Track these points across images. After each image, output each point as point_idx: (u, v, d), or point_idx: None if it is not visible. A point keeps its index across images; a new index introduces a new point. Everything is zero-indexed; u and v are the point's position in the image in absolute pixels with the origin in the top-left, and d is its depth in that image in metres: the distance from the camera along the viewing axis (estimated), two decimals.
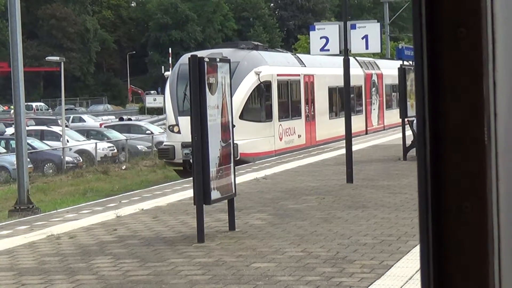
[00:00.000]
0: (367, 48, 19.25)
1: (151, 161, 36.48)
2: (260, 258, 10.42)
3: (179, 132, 27.06)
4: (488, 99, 1.46)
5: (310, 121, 31.68)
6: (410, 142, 23.62)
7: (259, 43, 32.63)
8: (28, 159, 23.36)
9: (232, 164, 12.60)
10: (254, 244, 11.39)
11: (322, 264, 9.98)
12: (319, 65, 32.66)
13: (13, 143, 30.04)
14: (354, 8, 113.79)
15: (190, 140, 12.31)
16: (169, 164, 28.61)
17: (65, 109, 46.56)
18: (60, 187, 29.00)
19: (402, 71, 23.34)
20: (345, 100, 20.26)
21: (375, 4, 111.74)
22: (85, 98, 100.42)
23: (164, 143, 29.14)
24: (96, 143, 38.27)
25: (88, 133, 43.21)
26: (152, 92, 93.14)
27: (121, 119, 59.79)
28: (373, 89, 39.27)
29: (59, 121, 46.88)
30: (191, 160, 25.38)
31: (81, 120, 61.06)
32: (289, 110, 30.05)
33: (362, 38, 18.91)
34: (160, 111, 63.28)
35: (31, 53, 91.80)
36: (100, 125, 52.77)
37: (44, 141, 37.99)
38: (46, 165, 34.58)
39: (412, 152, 23.21)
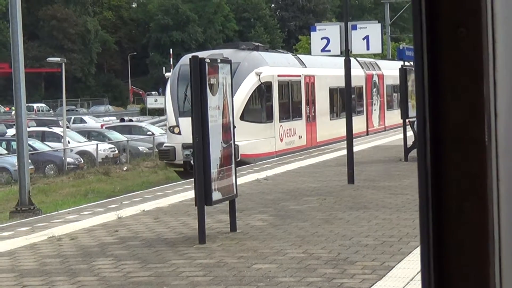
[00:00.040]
0: (368, 48, 19.25)
1: (152, 162, 36.48)
2: (261, 259, 10.41)
3: (179, 133, 27.05)
4: (489, 99, 1.46)
5: (311, 122, 31.67)
6: (411, 143, 23.62)
7: (259, 44, 32.63)
8: (29, 160, 23.36)
9: (233, 165, 12.60)
10: (255, 245, 11.39)
11: (324, 265, 9.98)
12: (319, 65, 32.65)
13: (14, 144, 30.06)
14: (355, 9, 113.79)
15: (190, 141, 12.32)
16: (169, 165, 28.61)
17: (66, 110, 46.56)
18: (61, 188, 29.01)
19: (403, 72, 23.34)
20: (346, 100, 20.25)
21: (376, 4, 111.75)
22: (86, 99, 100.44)
23: (165, 144, 29.14)
24: (97, 144, 38.28)
25: (89, 134, 43.24)
26: (153, 93, 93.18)
27: (122, 120, 59.79)
28: (374, 89, 39.26)
29: (60, 122, 46.88)
30: (191, 161, 25.46)
31: (82, 121, 61.08)
32: (290, 111, 30.04)
33: (363, 39, 18.91)
34: (161, 112, 63.33)
35: (32, 54, 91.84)
36: (101, 126, 52.80)
37: (45, 142, 38.00)
38: (47, 166, 34.59)
39: (414, 153, 23.20)
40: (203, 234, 11.67)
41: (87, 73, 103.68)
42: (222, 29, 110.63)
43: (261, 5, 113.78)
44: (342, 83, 21.07)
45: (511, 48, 1.45)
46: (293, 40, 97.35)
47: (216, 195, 11.90)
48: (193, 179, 12.44)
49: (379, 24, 20.00)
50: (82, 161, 36.00)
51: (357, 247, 10.98)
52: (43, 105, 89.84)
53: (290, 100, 30.30)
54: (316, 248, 10.99)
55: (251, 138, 26.63)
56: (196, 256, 10.75)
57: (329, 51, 19.09)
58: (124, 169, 35.46)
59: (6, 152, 35.08)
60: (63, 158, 35.23)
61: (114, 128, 47.65)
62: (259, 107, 28.08)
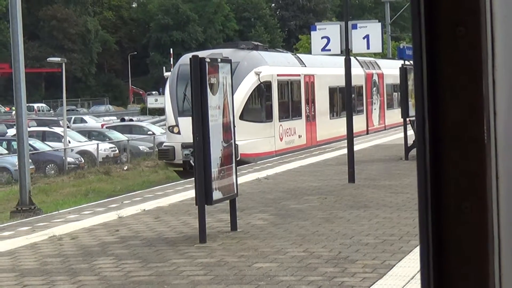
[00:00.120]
0: (368, 48, 19.25)
1: (152, 161, 36.48)
2: (262, 258, 10.42)
3: (179, 132, 27.02)
4: (488, 98, 1.46)
5: (311, 121, 31.65)
6: (412, 142, 23.61)
7: (259, 43, 32.60)
8: (30, 160, 23.37)
9: (233, 165, 12.60)
10: (256, 244, 11.39)
11: (324, 264, 9.98)
12: (319, 65, 32.63)
13: (14, 144, 30.07)
14: (355, 8, 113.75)
15: (190, 141, 12.33)
16: (169, 165, 28.59)
17: (67, 110, 46.57)
18: (61, 188, 29.01)
19: (403, 71, 23.34)
20: (346, 100, 20.25)
21: (376, 4, 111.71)
22: (87, 99, 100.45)
23: (164, 144, 29.13)
24: (97, 144, 38.28)
25: (89, 134, 43.24)
26: (153, 92, 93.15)
27: (123, 119, 59.79)
28: (374, 88, 39.25)
29: (60, 122, 46.88)
30: (191, 161, 25.46)
31: (82, 121, 61.08)
32: (290, 110, 30.01)
33: (363, 38, 18.91)
34: (161, 111, 63.27)
35: (32, 54, 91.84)
36: (102, 126, 52.80)
37: (45, 142, 38.01)
38: (48, 166, 34.59)
39: (414, 151, 23.18)
40: (204, 233, 11.67)
41: (87, 73, 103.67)
42: (222, 29, 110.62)
43: (261, 4, 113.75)
44: (342, 82, 21.06)
45: (510, 47, 1.45)
46: (293, 40, 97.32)
47: (216, 195, 11.90)
48: (193, 178, 12.44)
49: (379, 23, 20.00)
50: (83, 161, 36.00)
51: (357, 246, 10.98)
52: (44, 105, 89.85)
53: (290, 100, 30.29)
54: (316, 247, 10.99)
55: (250, 137, 26.60)
56: (197, 255, 10.75)
57: (329, 50, 19.09)
58: (125, 168, 35.47)
59: (6, 152, 35.08)
60: (64, 157, 35.23)
61: (115, 127, 47.66)
62: (258, 106, 28.05)
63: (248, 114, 27.15)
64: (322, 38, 19.01)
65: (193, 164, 24.63)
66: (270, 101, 28.42)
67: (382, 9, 74.73)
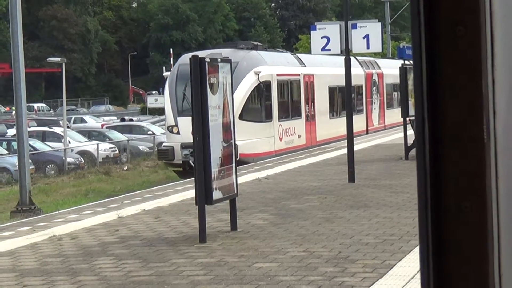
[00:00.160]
0: (368, 47, 19.25)
1: (152, 161, 36.47)
2: (262, 258, 10.42)
3: (178, 132, 27.00)
4: (487, 97, 1.46)
5: (310, 121, 31.63)
6: (412, 142, 23.61)
7: (258, 43, 32.58)
8: (30, 160, 23.36)
9: (233, 164, 12.60)
10: (256, 244, 11.39)
11: (324, 264, 9.98)
12: (319, 64, 32.62)
13: (14, 144, 30.08)
14: (355, 8, 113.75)
15: (189, 141, 12.33)
16: (168, 165, 28.57)
17: (67, 110, 46.58)
18: (62, 188, 29.01)
19: (403, 70, 23.34)
20: (346, 99, 20.25)
21: (376, 3, 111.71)
22: (87, 99, 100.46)
23: (163, 144, 29.12)
24: (97, 144, 38.28)
25: (89, 134, 43.24)
26: (153, 92, 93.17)
27: (123, 119, 59.80)
28: (374, 88, 39.25)
29: (60, 122, 46.89)
30: (190, 161, 25.44)
31: (82, 121, 61.08)
32: (289, 110, 29.99)
33: (363, 38, 18.91)
34: (161, 111, 63.24)
35: (32, 54, 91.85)
36: (102, 126, 52.80)
37: (45, 142, 38.01)
38: (48, 166, 34.59)
39: (414, 151, 23.15)
40: (204, 233, 11.67)
41: (87, 73, 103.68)
42: (222, 29, 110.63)
43: (261, 4, 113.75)
44: (341, 82, 21.06)
45: (509, 46, 1.45)
46: (293, 39, 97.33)
47: (216, 194, 11.90)
48: (193, 178, 12.44)
49: (379, 23, 20.00)
50: (83, 161, 36.00)
51: (357, 246, 10.98)
52: (44, 105, 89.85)
53: (289, 99, 30.27)
54: (316, 247, 10.99)
55: (250, 137, 26.57)
56: (197, 255, 10.75)
57: (329, 50, 19.09)
58: (125, 168, 35.47)
59: (6, 152, 35.08)
60: (64, 158, 35.23)
61: (115, 127, 47.66)
62: (258, 106, 28.03)
63: (247, 114, 27.12)
64: (322, 38, 19.00)
65: (192, 164, 24.63)
66: (269, 101, 28.40)
67: (382, 9, 74.74)
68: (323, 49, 19.08)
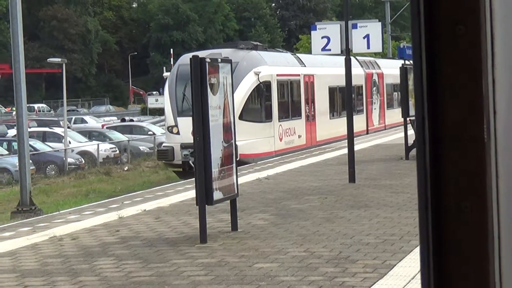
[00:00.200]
0: (368, 47, 19.24)
1: (153, 162, 36.47)
2: (263, 258, 10.41)
3: (178, 133, 26.98)
4: (487, 97, 1.45)
5: (311, 121, 31.61)
6: (412, 142, 23.60)
7: (258, 43, 32.56)
8: (30, 161, 23.36)
9: (234, 165, 12.60)
10: (257, 244, 11.39)
11: (325, 264, 9.98)
12: (319, 65, 32.61)
13: (15, 144, 30.07)
14: (356, 8, 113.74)
15: (189, 141, 12.33)
16: (168, 165, 28.55)
17: (67, 111, 46.54)
18: (62, 189, 29.01)
19: (404, 70, 23.33)
20: (346, 99, 20.24)
21: (376, 3, 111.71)
22: (87, 99, 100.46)
23: (163, 144, 29.10)
24: (98, 144, 38.28)
25: (90, 134, 43.24)
26: (154, 93, 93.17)
27: (123, 120, 59.80)
28: (374, 88, 39.23)
29: (61, 123, 46.89)
30: (190, 162, 25.43)
31: (83, 121, 61.09)
32: (289, 110, 29.97)
33: (364, 38, 18.90)
34: (162, 112, 63.22)
35: (32, 54, 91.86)
36: (102, 126, 52.80)
37: (46, 143, 38.01)
38: (48, 167, 34.59)
39: (414, 151, 23.14)
40: (204, 234, 11.67)
41: (87, 73, 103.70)
42: (222, 29, 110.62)
43: (261, 4, 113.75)
44: (341, 82, 21.05)
45: (509, 45, 1.45)
46: (293, 39, 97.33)
47: (217, 195, 11.90)
48: (193, 178, 12.43)
49: (380, 23, 20.00)
50: (83, 161, 36.00)
51: (358, 246, 10.98)
52: (44, 105, 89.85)
53: (290, 100, 30.25)
54: (317, 247, 10.99)
55: (250, 137, 26.54)
56: (198, 256, 10.75)
57: (330, 50, 19.08)
58: (125, 169, 35.47)
59: (7, 152, 35.09)
60: (64, 158, 35.23)
61: (115, 128, 47.66)
62: (258, 106, 28.00)
63: (247, 114, 27.10)
64: (322, 37, 19.00)
65: (192, 164, 24.61)
66: (269, 101, 28.37)
67: (382, 9, 74.73)
68: (323, 49, 19.08)
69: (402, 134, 24.45)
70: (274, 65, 29.02)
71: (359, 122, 34.61)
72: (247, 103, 27.21)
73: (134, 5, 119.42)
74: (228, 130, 12.42)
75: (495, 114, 1.46)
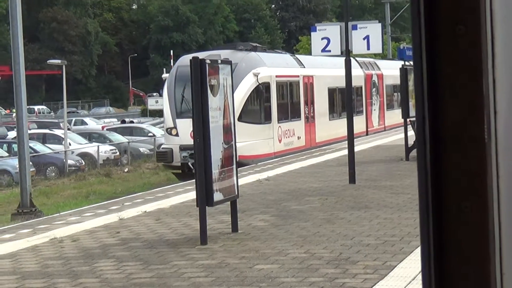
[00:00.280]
0: (368, 48, 19.25)
1: (153, 163, 36.45)
2: (263, 260, 10.41)
3: (177, 134, 26.95)
4: (488, 97, 1.45)
5: (310, 122, 31.58)
6: (412, 142, 23.60)
7: (257, 44, 32.54)
8: (31, 163, 23.36)
9: (234, 166, 12.60)
10: (257, 245, 11.38)
11: (326, 265, 9.97)
12: (318, 66, 32.58)
13: (15, 146, 30.07)
14: (355, 9, 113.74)
15: (188, 143, 12.34)
16: (167, 167, 28.52)
17: (67, 112, 46.58)
18: (62, 190, 29.00)
19: (404, 71, 23.34)
20: (346, 100, 20.24)
21: (376, 4, 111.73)
22: (87, 101, 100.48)
23: (162, 146, 29.08)
24: (98, 146, 38.28)
25: (90, 136, 43.25)
26: (154, 94, 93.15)
27: (123, 121, 59.80)
28: (374, 89, 39.22)
29: (61, 124, 46.89)
30: (189, 163, 25.40)
31: (83, 123, 61.09)
32: (288, 111, 29.93)
33: (364, 39, 18.90)
34: (162, 113, 63.25)
35: (32, 56, 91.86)
36: (102, 127, 52.81)
37: (46, 145, 38.01)
38: (49, 169, 34.59)
39: (415, 152, 23.16)
40: (205, 235, 11.67)
41: (87, 75, 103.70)
42: (222, 30, 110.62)
43: (261, 5, 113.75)
44: (341, 83, 21.05)
45: (510, 45, 1.45)
46: (293, 41, 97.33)
47: (217, 196, 11.90)
48: (194, 180, 12.43)
49: (380, 24, 20.01)
50: (83, 163, 36.00)
51: (358, 247, 10.97)
52: (44, 107, 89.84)
53: (289, 101, 30.22)
54: (318, 248, 10.99)
55: (249, 139, 26.49)
56: (198, 257, 10.75)
57: (330, 51, 19.09)
58: (125, 170, 35.46)
59: (7, 154, 35.09)
60: (64, 160, 35.23)
61: (115, 129, 47.67)
62: (257, 108, 27.97)
63: (246, 115, 27.07)
64: (322, 39, 19.00)
65: (192, 166, 24.58)
66: (268, 103, 28.34)
67: (382, 10, 74.76)
68: (323, 50, 19.08)
69: (402, 135, 24.45)
70: (273, 66, 29.00)
71: (358, 123, 34.57)
72: (246, 105, 27.18)
73: (134, 7, 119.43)
74: (228, 132, 12.42)
75: (496, 114, 1.45)
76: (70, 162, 35.37)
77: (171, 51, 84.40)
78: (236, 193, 12.65)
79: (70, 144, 38.11)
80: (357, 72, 34.70)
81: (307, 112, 31.33)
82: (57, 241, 12.57)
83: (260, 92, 27.76)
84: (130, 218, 14.67)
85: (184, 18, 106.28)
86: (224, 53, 25.51)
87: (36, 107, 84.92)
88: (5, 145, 37.24)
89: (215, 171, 11.84)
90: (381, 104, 40.39)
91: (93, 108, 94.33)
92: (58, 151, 36.81)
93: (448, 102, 1.47)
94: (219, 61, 12.75)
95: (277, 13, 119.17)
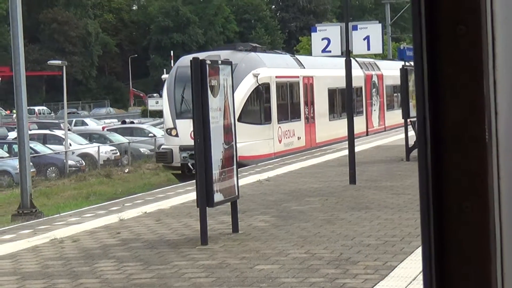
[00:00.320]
0: (368, 49, 19.25)
1: (153, 164, 36.44)
2: (264, 260, 10.41)
3: (177, 135, 26.94)
4: (489, 97, 1.45)
5: (310, 123, 31.58)
6: (413, 143, 23.60)
7: (257, 45, 32.54)
8: (31, 163, 23.36)
9: (235, 166, 12.60)
10: (258, 246, 11.38)
11: (326, 265, 9.97)
12: (318, 66, 32.57)
13: (15, 147, 30.06)
14: (356, 9, 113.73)
15: (188, 144, 12.34)
16: (167, 167, 28.51)
17: (68, 113, 46.59)
18: (63, 191, 29.00)
19: (404, 72, 23.34)
20: (347, 101, 20.24)
21: (376, 5, 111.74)
22: (88, 102, 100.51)
23: (162, 147, 29.08)
24: (98, 147, 38.29)
25: (90, 137, 43.25)
26: (154, 95, 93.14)
27: (124, 122, 59.80)
28: (374, 90, 39.21)
29: (61, 125, 46.91)
30: (189, 164, 25.39)
31: (83, 123, 61.10)
32: (288, 112, 29.92)
33: (364, 39, 18.91)
34: (162, 114, 63.27)
35: (33, 57, 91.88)
36: (103, 128, 52.82)
37: (46, 145, 38.02)
38: (49, 169, 34.59)
39: (415, 152, 23.17)
40: (205, 236, 11.67)
41: (88, 76, 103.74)
42: (222, 31, 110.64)
43: (261, 6, 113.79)
44: (341, 84, 21.05)
45: (511, 46, 1.45)
46: (293, 41, 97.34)
47: (217, 197, 11.90)
48: (194, 180, 12.44)
49: (380, 24, 20.00)
50: (84, 164, 36.00)
51: (359, 247, 10.97)
52: (45, 108, 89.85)
53: (289, 101, 30.20)
54: (318, 249, 10.99)
55: (249, 139, 26.47)
56: (198, 258, 10.75)
57: (330, 51, 19.09)
58: (126, 171, 35.46)
59: (7, 155, 35.09)
60: (65, 160, 35.23)
61: (116, 130, 47.68)
62: (257, 108, 27.96)
63: (246, 116, 27.05)
64: (323, 39, 19.01)
65: (191, 167, 24.56)
66: (268, 103, 28.33)
67: (383, 10, 74.78)
68: (323, 50, 19.08)
69: (403, 136, 24.45)
70: (273, 66, 28.99)
71: (358, 123, 34.55)
72: (246, 105, 27.17)
73: (134, 8, 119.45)
74: (228, 132, 12.43)
75: (496, 115, 1.45)
76: (70, 162, 35.38)
77: (172, 52, 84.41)
78: (237, 193, 12.65)
79: (70, 145, 38.12)
80: (357, 73, 34.69)
81: (307, 112, 31.32)
82: (58, 241, 12.57)
83: (260, 92, 27.75)
84: (131, 219, 14.68)
85: (185, 19, 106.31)
86: (224, 54, 25.53)
87: (36, 108, 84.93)
88: (5, 145, 37.25)
89: (216, 171, 11.84)
90: (381, 104, 40.38)
91: (94, 109, 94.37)
92: (58, 152, 36.82)
93: (449, 102, 1.47)
94: (220, 62, 12.75)
95: (278, 14, 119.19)
